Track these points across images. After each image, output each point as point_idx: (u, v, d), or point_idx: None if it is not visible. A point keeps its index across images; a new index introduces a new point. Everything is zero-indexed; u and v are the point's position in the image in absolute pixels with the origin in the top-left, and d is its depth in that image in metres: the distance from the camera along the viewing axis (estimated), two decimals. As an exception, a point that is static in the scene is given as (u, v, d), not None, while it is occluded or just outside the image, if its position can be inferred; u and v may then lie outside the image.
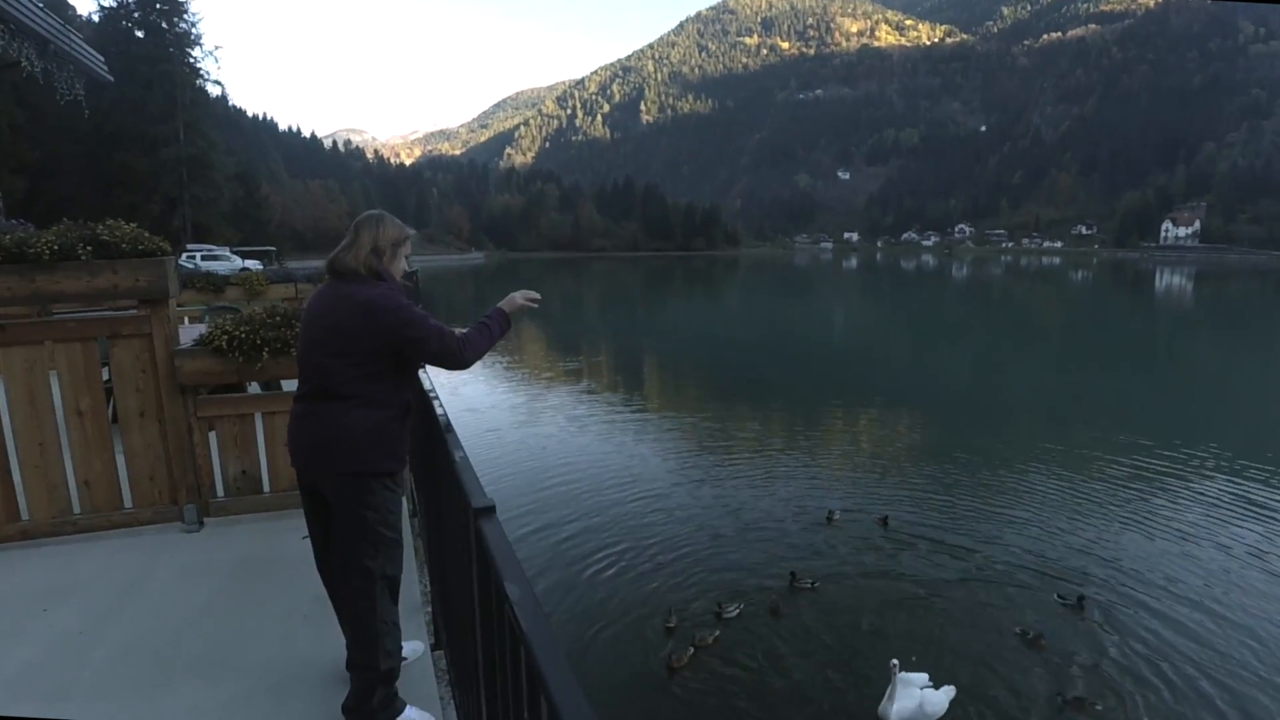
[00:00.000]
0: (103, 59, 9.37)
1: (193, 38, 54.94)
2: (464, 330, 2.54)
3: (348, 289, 2.42)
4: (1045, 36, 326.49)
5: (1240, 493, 9.52)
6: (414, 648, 2.95)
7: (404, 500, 2.59)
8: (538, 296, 2.80)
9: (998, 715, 5.00)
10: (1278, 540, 8.02)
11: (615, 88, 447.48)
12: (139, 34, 52.70)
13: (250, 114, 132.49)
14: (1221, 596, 6.70)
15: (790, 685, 5.30)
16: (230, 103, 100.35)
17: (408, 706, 2.54)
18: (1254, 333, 32.59)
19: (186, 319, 9.61)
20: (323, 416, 2.41)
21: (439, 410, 2.45)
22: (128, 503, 4.17)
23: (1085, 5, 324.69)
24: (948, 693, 4.98)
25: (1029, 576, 7.07)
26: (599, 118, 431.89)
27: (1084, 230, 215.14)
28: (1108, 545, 7.84)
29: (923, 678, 5.00)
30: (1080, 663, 5.60)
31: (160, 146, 51.92)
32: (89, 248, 3.79)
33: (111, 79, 10.14)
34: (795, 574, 6.90)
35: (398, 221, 2.59)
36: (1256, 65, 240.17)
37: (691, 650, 5.64)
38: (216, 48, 69.56)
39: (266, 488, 4.41)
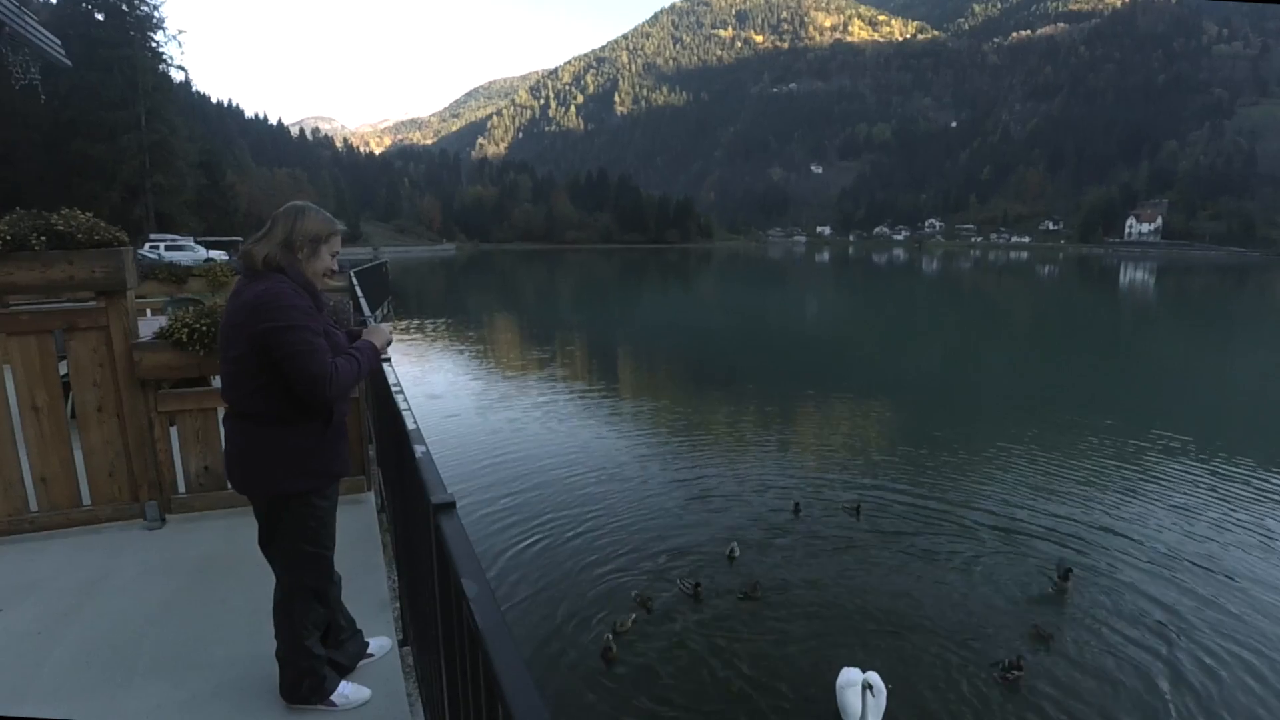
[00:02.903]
0: (60, 42, 9.08)
1: (155, 21, 53.43)
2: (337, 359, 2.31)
3: (245, 286, 2.29)
4: (1015, 34, 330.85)
5: (1209, 472, 9.92)
6: (381, 644, 2.95)
7: (335, 509, 2.56)
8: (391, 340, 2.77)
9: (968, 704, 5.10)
10: (1254, 515, 8.39)
11: (589, 78, 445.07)
12: (99, 16, 51.06)
13: (215, 100, 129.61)
14: (1202, 571, 6.97)
15: (751, 675, 5.34)
16: (194, 89, 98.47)
17: (342, 682, 2.61)
18: (1214, 325, 33.47)
19: (148, 311, 9.41)
20: (233, 434, 2.38)
21: (402, 405, 2.43)
22: (87, 500, 4.08)
23: (1054, 4, 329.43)
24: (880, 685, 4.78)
25: (1008, 562, 7.20)
26: (572, 108, 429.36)
27: (1050, 226, 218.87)
28: (1089, 526, 8.05)
29: (855, 673, 4.84)
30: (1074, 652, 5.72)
31: (121, 133, 50.44)
32: (43, 238, 3.69)
33: (70, 63, 9.85)
34: (732, 549, 7.18)
35: (325, 215, 2.42)
36: (1219, 65, 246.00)
37: (614, 654, 5.65)
38: (180, 32, 68.24)
39: (230, 484, 4.34)
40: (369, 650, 2.88)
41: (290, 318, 2.19)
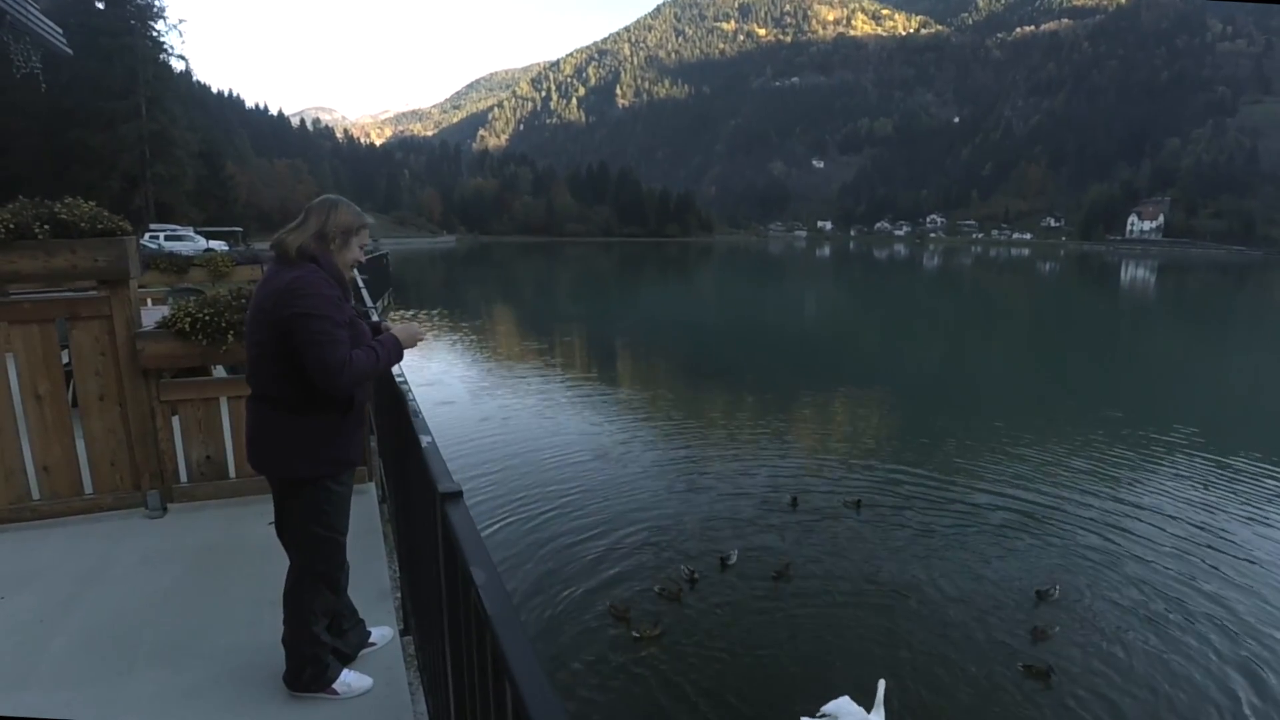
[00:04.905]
0: (61, 31, 9.04)
1: (156, 10, 53.26)
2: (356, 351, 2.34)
3: (276, 272, 2.35)
4: (1018, 30, 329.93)
5: (1217, 464, 10.04)
6: (383, 633, 2.97)
7: (350, 496, 2.58)
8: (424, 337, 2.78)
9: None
10: (1252, 512, 8.43)
11: (591, 70, 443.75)
12: (99, 5, 50.90)
13: (215, 90, 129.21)
14: (1218, 559, 7.03)
15: (753, 668, 5.37)
16: (195, 78, 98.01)
17: (344, 671, 2.62)
18: (1215, 323, 33.51)
19: (149, 301, 9.42)
20: (254, 416, 2.42)
21: (407, 395, 2.43)
22: (88, 488, 4.09)
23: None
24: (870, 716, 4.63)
25: (1014, 555, 7.22)
26: (574, 101, 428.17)
27: (1052, 222, 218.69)
28: (1093, 518, 8.10)
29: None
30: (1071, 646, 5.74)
31: (121, 123, 50.31)
32: (46, 227, 3.69)
33: (70, 52, 9.79)
34: (724, 558, 6.93)
35: (355, 209, 2.50)
36: (1223, 63, 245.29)
37: (655, 631, 5.73)
38: (181, 21, 67.81)
39: (232, 473, 4.36)
40: (371, 639, 2.90)
41: (316, 306, 2.24)
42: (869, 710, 4.60)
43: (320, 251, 2.37)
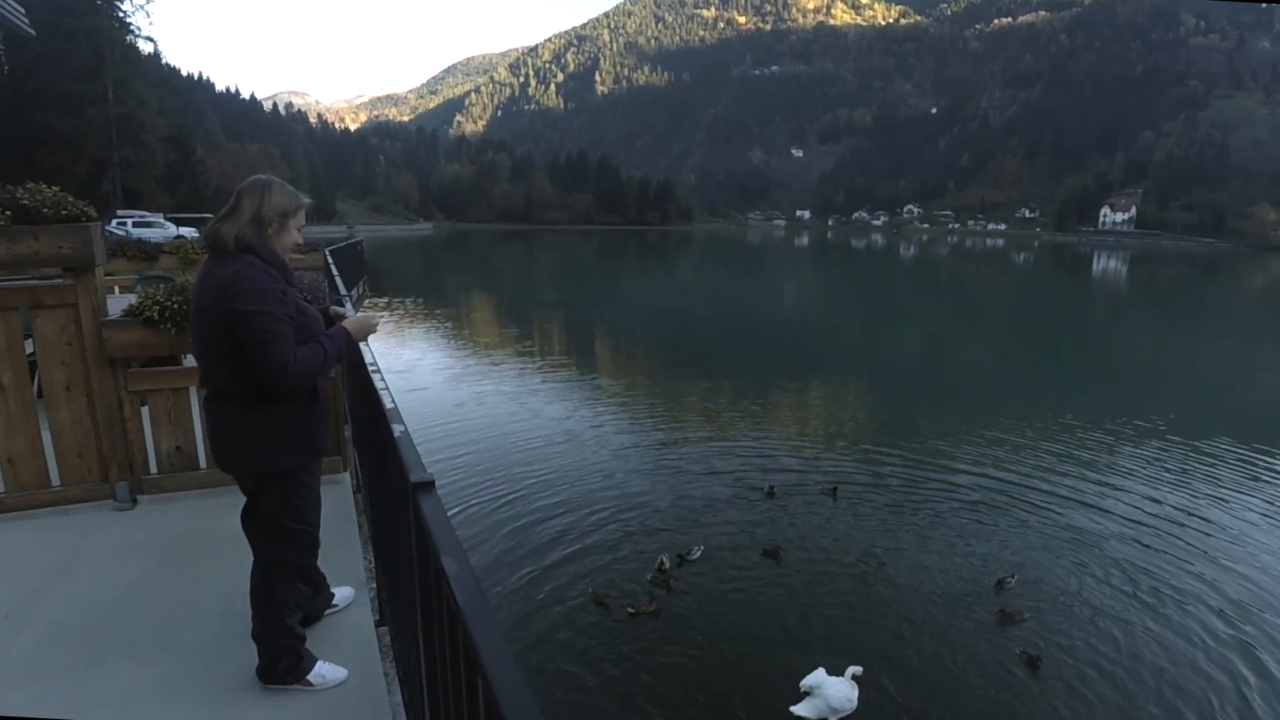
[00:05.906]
0: (23, 11, 8.81)
1: (122, -11, 51.92)
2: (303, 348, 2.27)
3: (215, 267, 2.23)
4: (996, 21, 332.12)
5: (1185, 455, 10.25)
6: (345, 594, 3.02)
7: (319, 486, 2.55)
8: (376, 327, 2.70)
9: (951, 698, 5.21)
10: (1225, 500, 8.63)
11: (570, 56, 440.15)
12: (63, -16, 49.50)
13: (185, 73, 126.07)
14: (1184, 562, 7.11)
15: (726, 663, 5.41)
16: (163, 61, 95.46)
17: (318, 663, 2.60)
18: (1184, 313, 34.18)
19: (117, 288, 9.26)
20: (214, 416, 2.35)
21: (380, 384, 2.40)
22: (55, 481, 4.01)
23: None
24: (848, 682, 4.79)
25: (986, 541, 7.35)
26: (553, 87, 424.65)
27: (1027, 213, 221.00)
28: (1067, 500, 8.31)
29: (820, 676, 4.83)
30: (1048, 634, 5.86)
31: (87, 105, 48.98)
32: (8, 212, 3.60)
33: (33, 33, 9.55)
34: (683, 554, 6.86)
35: (290, 189, 2.38)
36: (1196, 57, 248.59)
37: (652, 607, 5.83)
38: (148, 1, 66.07)
39: (202, 464, 4.29)
40: (334, 600, 2.91)
41: (259, 302, 2.15)
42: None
43: (257, 239, 2.26)
